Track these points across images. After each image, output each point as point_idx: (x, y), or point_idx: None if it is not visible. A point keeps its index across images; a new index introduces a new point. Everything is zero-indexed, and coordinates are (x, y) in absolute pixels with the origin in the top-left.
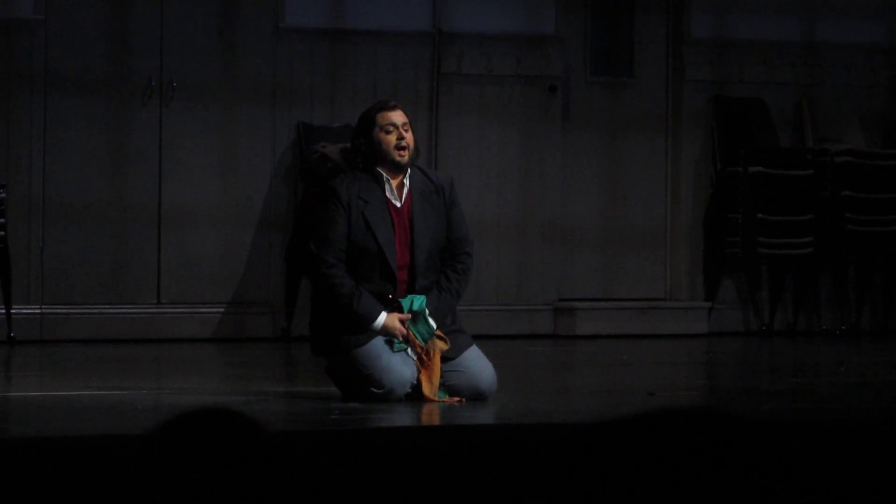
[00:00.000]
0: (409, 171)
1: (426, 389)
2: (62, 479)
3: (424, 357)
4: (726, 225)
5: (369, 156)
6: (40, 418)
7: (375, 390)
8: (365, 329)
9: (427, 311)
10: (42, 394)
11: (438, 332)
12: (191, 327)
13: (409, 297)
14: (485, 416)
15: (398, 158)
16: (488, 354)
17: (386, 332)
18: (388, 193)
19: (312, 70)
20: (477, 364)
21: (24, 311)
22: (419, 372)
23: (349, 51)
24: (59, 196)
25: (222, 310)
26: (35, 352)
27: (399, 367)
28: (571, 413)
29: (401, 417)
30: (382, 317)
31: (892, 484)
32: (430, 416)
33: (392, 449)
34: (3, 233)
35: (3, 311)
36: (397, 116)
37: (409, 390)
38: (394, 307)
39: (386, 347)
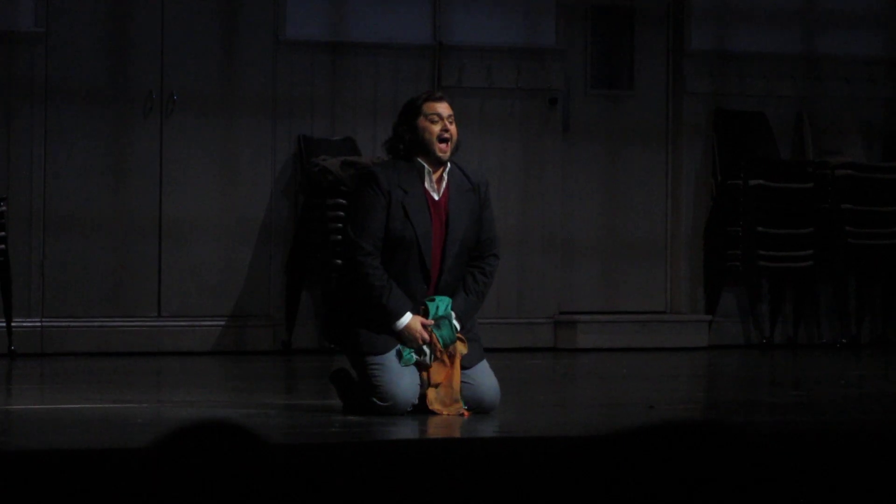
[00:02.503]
0: (448, 165)
1: (441, 396)
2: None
3: (446, 359)
4: (727, 238)
5: (411, 144)
6: (41, 431)
7: (379, 402)
8: (388, 325)
9: (453, 315)
10: (42, 407)
11: (459, 335)
12: (191, 340)
13: (436, 299)
14: (486, 429)
15: (440, 153)
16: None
17: (407, 332)
18: (427, 185)
19: (313, 83)
20: (484, 378)
21: (25, 323)
22: (426, 387)
23: (350, 64)
24: (60, 208)
25: (223, 323)
26: (35, 365)
27: (407, 383)
28: (572, 426)
29: (402, 430)
30: (408, 317)
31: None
32: (432, 429)
33: (393, 462)
34: (3, 245)
35: (4, 323)
36: (443, 108)
37: (410, 408)
38: (419, 310)
39: (396, 361)
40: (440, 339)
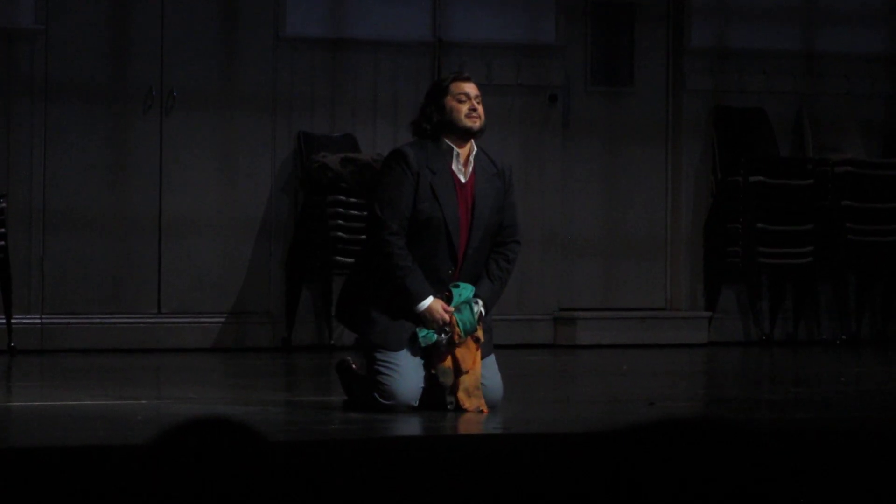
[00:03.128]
0: (475, 149)
1: (466, 385)
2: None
3: (471, 344)
4: (726, 234)
5: (438, 124)
6: (41, 428)
7: (380, 399)
8: (409, 306)
9: (477, 301)
10: (42, 404)
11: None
12: (191, 337)
13: (460, 286)
14: (487, 425)
15: (469, 123)
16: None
17: (429, 314)
18: (454, 167)
19: (313, 79)
20: (490, 375)
21: (25, 320)
22: (447, 378)
23: (349, 60)
24: (60, 205)
25: (223, 319)
26: (35, 361)
27: (411, 384)
28: (572, 423)
29: (402, 427)
30: (429, 300)
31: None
32: (432, 426)
33: (394, 459)
34: (3, 242)
35: (4, 320)
36: (471, 87)
37: (415, 404)
38: (443, 296)
39: (407, 358)
40: (461, 324)
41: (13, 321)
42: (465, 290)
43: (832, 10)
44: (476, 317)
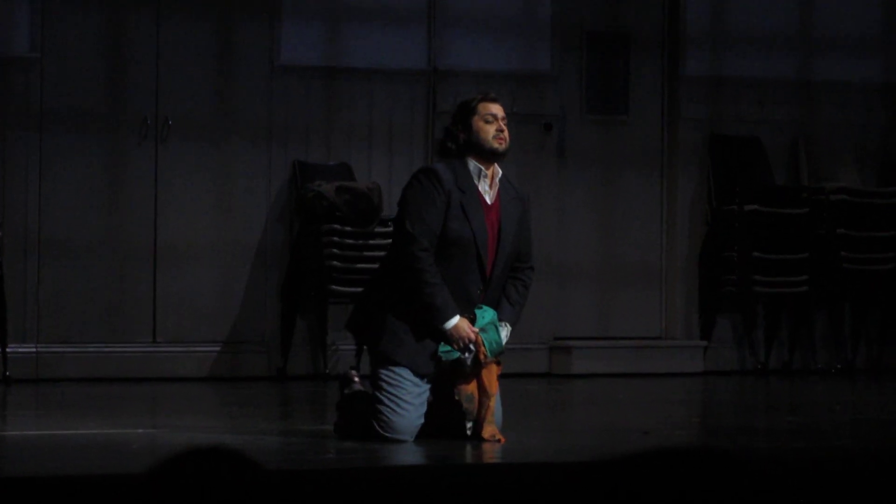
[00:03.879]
0: (499, 170)
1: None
2: None
3: (494, 368)
4: (722, 263)
5: (465, 144)
6: (36, 457)
7: (379, 430)
8: (436, 323)
9: (504, 324)
10: (37, 433)
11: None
12: (186, 366)
13: (483, 308)
14: (483, 455)
15: (496, 144)
16: None
17: (455, 332)
18: (480, 187)
19: (308, 108)
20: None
21: (20, 349)
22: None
23: (345, 89)
24: (55, 234)
25: (218, 348)
26: (30, 390)
27: (411, 416)
28: (568, 452)
29: (398, 457)
30: (456, 318)
31: None
32: (428, 455)
33: (389, 489)
34: None
35: None
36: (497, 109)
37: (410, 440)
38: (468, 318)
39: (411, 390)
40: (487, 344)
41: (8, 350)
42: (487, 313)
43: (827, 39)
44: (503, 338)
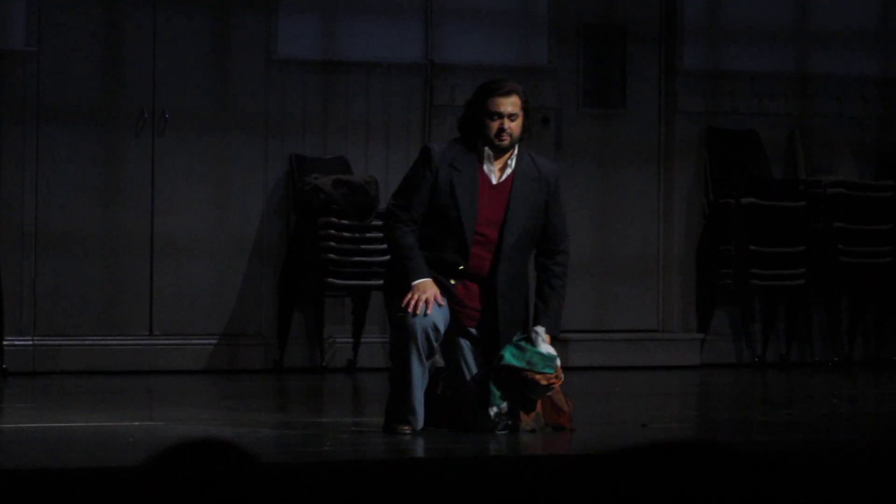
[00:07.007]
0: (516, 152)
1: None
2: None
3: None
4: (719, 256)
5: (474, 131)
6: (33, 450)
7: (402, 425)
8: (407, 282)
9: (537, 331)
10: (34, 425)
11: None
12: (183, 359)
13: (502, 351)
14: (479, 448)
15: (497, 142)
16: None
17: (420, 285)
18: (485, 168)
19: (305, 101)
20: None
21: (17, 342)
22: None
23: (342, 82)
24: (52, 227)
25: (214, 341)
26: (27, 383)
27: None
28: (565, 445)
29: (395, 449)
30: (424, 279)
31: None
32: (425, 448)
33: (386, 481)
34: None
35: None
36: (505, 105)
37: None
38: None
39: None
40: (538, 368)
41: (5, 343)
42: (506, 352)
43: (825, 33)
44: (543, 350)
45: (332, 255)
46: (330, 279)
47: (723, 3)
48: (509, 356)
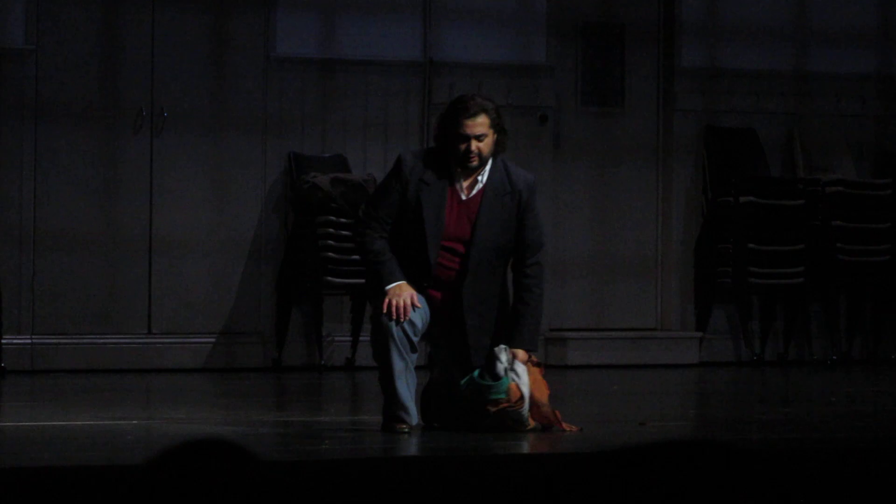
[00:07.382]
0: (488, 167)
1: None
2: None
3: (531, 370)
4: (717, 255)
5: (445, 149)
6: (31, 448)
7: (398, 423)
8: (380, 286)
9: (501, 349)
10: (32, 424)
11: (534, 359)
12: (181, 357)
13: (469, 374)
14: (477, 446)
15: (465, 163)
16: None
17: (394, 289)
18: (456, 185)
19: (303, 100)
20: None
21: (15, 340)
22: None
23: (340, 80)
24: (50, 225)
25: (213, 340)
26: (26, 382)
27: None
28: (564, 443)
29: (393, 448)
30: (398, 283)
31: None
32: (423, 447)
33: (385, 479)
34: None
35: None
36: (473, 127)
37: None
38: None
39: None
40: (495, 395)
41: (3, 341)
42: (484, 382)
43: (823, 31)
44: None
45: (330, 254)
46: (328, 277)
47: (721, 2)
48: (464, 391)
